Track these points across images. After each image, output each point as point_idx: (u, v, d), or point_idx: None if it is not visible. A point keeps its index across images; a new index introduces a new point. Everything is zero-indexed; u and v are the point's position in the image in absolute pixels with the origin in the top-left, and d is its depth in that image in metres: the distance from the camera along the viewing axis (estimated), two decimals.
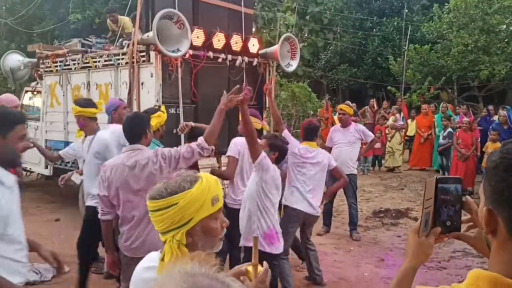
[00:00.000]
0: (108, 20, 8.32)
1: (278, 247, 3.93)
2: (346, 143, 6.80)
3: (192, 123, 5.03)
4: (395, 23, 19.48)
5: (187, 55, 5.84)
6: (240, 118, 3.77)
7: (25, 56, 8.22)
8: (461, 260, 6.16)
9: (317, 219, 5.25)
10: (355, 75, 20.48)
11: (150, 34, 5.49)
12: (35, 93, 8.07)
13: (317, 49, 20.81)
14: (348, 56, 21.00)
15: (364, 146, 7.76)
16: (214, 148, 3.37)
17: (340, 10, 20.95)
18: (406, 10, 19.09)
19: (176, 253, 1.54)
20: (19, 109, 4.77)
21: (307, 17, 20.60)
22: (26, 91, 8.30)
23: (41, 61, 7.38)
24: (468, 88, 17.53)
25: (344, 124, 6.95)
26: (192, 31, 5.77)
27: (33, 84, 8.26)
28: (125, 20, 8.08)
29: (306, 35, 21.20)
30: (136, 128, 3.41)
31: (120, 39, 7.00)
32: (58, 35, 13.80)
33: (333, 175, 5.46)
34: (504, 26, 15.75)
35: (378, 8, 20.43)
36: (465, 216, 1.45)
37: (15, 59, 7.95)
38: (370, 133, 7.26)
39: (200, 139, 3.30)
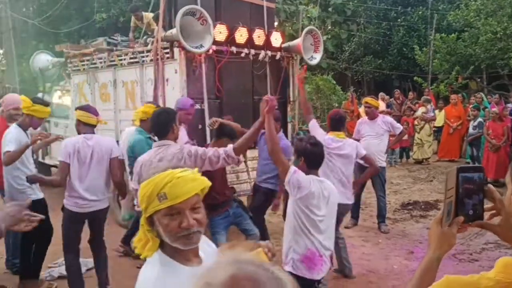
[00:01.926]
0: (132, 18, 8.43)
1: (319, 272, 3.44)
2: (373, 135, 6.72)
3: (220, 120, 5.07)
4: (420, 12, 19.15)
5: (210, 51, 5.84)
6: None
7: (53, 56, 8.39)
8: (493, 252, 6.02)
9: (347, 208, 5.21)
10: (380, 66, 20.22)
11: (174, 30, 5.52)
12: (64, 92, 8.25)
13: (341, 41, 20.59)
14: (372, 47, 20.74)
15: (392, 139, 7.64)
16: (241, 159, 3.38)
17: (363, 1, 20.68)
18: None
19: (143, 236, 1.64)
20: (19, 110, 4.71)
21: (330, 9, 20.37)
22: (56, 90, 8.49)
23: (68, 61, 7.53)
24: (498, 77, 17.12)
25: (371, 117, 6.86)
26: (214, 26, 5.78)
27: (62, 83, 8.44)
28: (149, 16, 8.17)
29: (329, 27, 20.98)
30: (163, 124, 3.49)
31: (145, 37, 7.07)
32: (84, 34, 14.06)
33: (362, 165, 5.41)
34: None
35: None
36: (487, 204, 1.43)
37: (43, 59, 8.13)
38: (398, 124, 7.15)
39: (230, 148, 3.33)
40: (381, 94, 13.63)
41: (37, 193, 4.61)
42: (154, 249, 1.66)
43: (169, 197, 1.56)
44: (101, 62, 6.90)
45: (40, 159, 7.60)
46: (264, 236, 5.54)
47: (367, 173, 5.52)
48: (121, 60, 6.57)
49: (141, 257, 1.69)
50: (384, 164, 6.98)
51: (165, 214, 1.58)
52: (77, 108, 4.45)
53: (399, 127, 7.01)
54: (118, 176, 4.32)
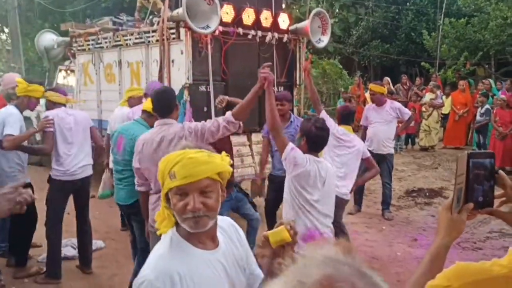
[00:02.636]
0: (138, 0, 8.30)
1: None
2: (382, 122, 6.64)
3: (228, 97, 5.02)
4: None
5: (216, 32, 5.76)
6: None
7: (58, 35, 8.31)
8: (497, 241, 6.01)
9: (347, 203, 5.17)
10: (387, 51, 19.97)
11: (180, 10, 5.44)
12: (68, 72, 8.19)
13: (348, 24, 20.34)
14: (380, 32, 20.46)
15: (400, 125, 7.56)
16: (241, 124, 3.34)
17: None
18: None
19: (162, 212, 1.64)
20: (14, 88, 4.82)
21: None
22: (60, 70, 8.44)
23: (74, 40, 7.45)
24: (506, 63, 16.90)
25: (379, 103, 6.76)
26: (221, 7, 5.69)
27: (66, 63, 8.38)
28: None
29: (337, 10, 20.73)
30: (166, 102, 3.48)
31: (151, 16, 6.98)
32: (90, 14, 13.91)
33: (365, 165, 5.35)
34: None
35: None
36: (498, 191, 1.41)
37: (49, 39, 8.05)
38: (407, 110, 7.06)
39: (228, 114, 3.30)
40: (386, 78, 13.49)
41: (24, 177, 4.59)
42: (170, 226, 1.64)
43: (177, 176, 1.54)
44: (106, 42, 6.83)
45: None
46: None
47: (367, 175, 5.40)
48: (126, 40, 6.50)
49: (157, 233, 1.68)
50: (392, 151, 6.92)
51: (175, 193, 1.57)
52: (46, 90, 4.80)
53: (407, 113, 6.93)
54: (99, 141, 4.88)
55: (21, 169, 4.59)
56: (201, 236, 1.61)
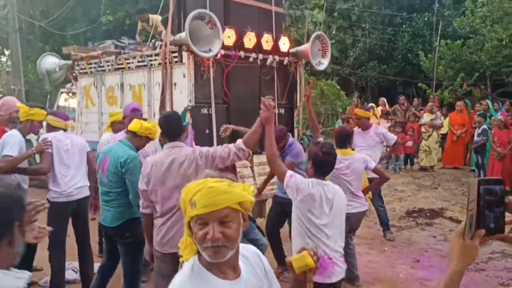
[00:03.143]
0: (139, 23, 8.43)
1: (331, 275, 3.42)
2: (365, 146, 6.53)
3: (232, 126, 5.08)
4: (426, 18, 19.09)
5: (218, 55, 5.83)
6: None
7: (60, 58, 8.39)
8: (500, 262, 6.01)
9: (363, 215, 5.25)
10: (384, 72, 20.17)
11: (183, 34, 5.51)
12: (70, 94, 8.24)
13: (346, 46, 20.57)
14: (377, 53, 20.69)
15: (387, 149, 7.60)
16: (251, 152, 3.41)
17: (368, 6, 20.66)
18: (437, 5, 18.70)
19: (185, 239, 1.65)
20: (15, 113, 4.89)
21: (335, 14, 20.38)
22: (62, 93, 8.49)
23: (76, 63, 7.52)
24: (503, 84, 17.06)
25: (364, 127, 6.67)
26: (223, 30, 5.77)
27: (68, 85, 8.43)
28: (157, 19, 8.17)
29: (334, 32, 20.99)
30: (174, 125, 3.55)
31: (153, 40, 7.07)
32: (91, 37, 14.09)
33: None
34: None
35: (408, 3, 20.07)
36: (508, 217, 1.42)
37: (50, 61, 8.12)
38: (391, 135, 6.94)
39: (239, 141, 3.37)
40: (382, 99, 13.61)
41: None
42: (192, 254, 1.64)
43: (198, 205, 1.55)
44: (108, 65, 6.89)
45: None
46: (279, 252, 5.55)
47: (376, 182, 5.49)
48: (128, 63, 6.57)
49: (180, 260, 1.69)
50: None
51: (195, 222, 1.58)
52: (48, 113, 4.86)
53: (392, 138, 6.85)
54: (95, 164, 4.71)
55: None
56: (221, 266, 1.60)
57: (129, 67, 6.58)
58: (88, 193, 4.87)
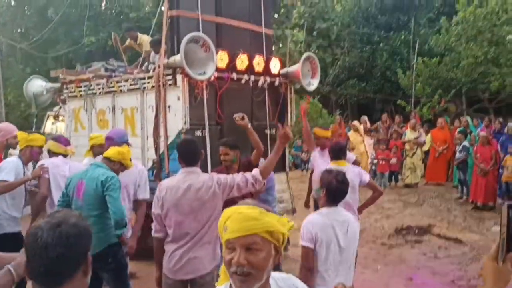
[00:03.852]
0: (128, 40, 8.43)
1: None
2: (326, 165, 6.41)
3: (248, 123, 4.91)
4: (403, 37, 19.60)
5: (212, 77, 5.88)
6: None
7: (47, 81, 8.31)
8: None
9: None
10: (364, 89, 20.55)
11: (177, 57, 5.54)
12: (57, 118, 8.14)
13: (325, 64, 20.90)
14: (356, 71, 21.09)
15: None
16: (265, 183, 3.46)
17: (347, 25, 21.11)
18: (413, 24, 19.23)
19: (223, 266, 1.62)
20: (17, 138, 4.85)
21: (315, 33, 20.75)
22: (48, 116, 8.38)
23: (65, 86, 7.45)
24: (478, 100, 17.55)
25: (323, 147, 6.20)
26: (216, 53, 5.83)
27: (55, 109, 8.33)
28: (144, 38, 8.19)
29: (313, 50, 21.33)
30: (192, 151, 3.58)
31: (146, 63, 7.08)
32: (72, 58, 13.96)
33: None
34: None
35: (385, 22, 20.57)
36: None
37: (37, 85, 8.04)
38: (350, 155, 6.58)
39: (255, 172, 3.40)
40: (363, 117, 13.83)
41: (11, 225, 4.46)
42: (225, 280, 1.64)
43: (228, 230, 1.56)
44: (99, 88, 6.86)
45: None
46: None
47: (371, 197, 5.48)
48: (120, 86, 6.54)
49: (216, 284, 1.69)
50: None
51: (226, 247, 1.59)
52: (50, 139, 4.96)
53: (351, 158, 6.35)
54: None
55: (8, 217, 4.44)
56: None
57: (120, 90, 6.56)
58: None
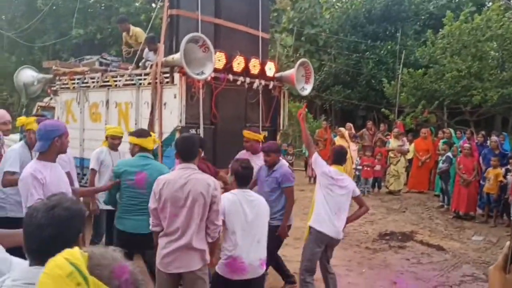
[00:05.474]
0: (124, 34, 8.33)
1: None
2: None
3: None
4: (389, 47, 19.92)
5: (209, 78, 5.92)
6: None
7: (38, 71, 8.22)
8: (471, 285, 6.28)
9: (339, 242, 5.32)
10: (348, 96, 20.80)
11: (176, 56, 5.57)
12: (47, 108, 8.06)
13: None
14: (342, 78, 21.35)
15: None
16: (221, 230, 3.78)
17: (335, 33, 21.35)
18: (400, 34, 19.56)
19: None
20: (7, 125, 4.85)
21: (303, 38, 20.93)
22: (39, 106, 8.28)
23: (57, 78, 7.38)
24: (460, 113, 17.95)
25: (254, 151, 5.93)
26: (214, 53, 5.87)
27: (46, 99, 8.24)
28: (136, 30, 8.12)
29: (301, 54, 21.51)
30: (190, 147, 3.69)
31: (143, 60, 7.07)
32: (59, 50, 13.79)
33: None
34: (497, 54, 16.27)
35: (373, 31, 20.88)
36: None
37: (28, 75, 7.94)
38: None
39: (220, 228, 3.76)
40: (348, 124, 14.02)
41: (14, 210, 4.36)
42: None
43: None
44: (93, 82, 6.83)
45: None
46: (282, 270, 5.61)
47: (357, 212, 5.33)
48: (116, 81, 6.53)
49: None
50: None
51: None
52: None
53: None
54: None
55: (13, 202, 4.38)
56: None
57: (116, 85, 6.54)
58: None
